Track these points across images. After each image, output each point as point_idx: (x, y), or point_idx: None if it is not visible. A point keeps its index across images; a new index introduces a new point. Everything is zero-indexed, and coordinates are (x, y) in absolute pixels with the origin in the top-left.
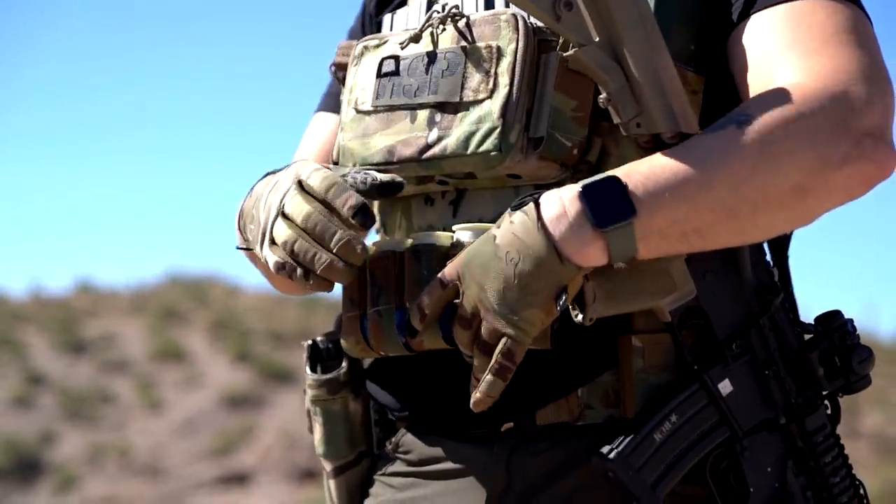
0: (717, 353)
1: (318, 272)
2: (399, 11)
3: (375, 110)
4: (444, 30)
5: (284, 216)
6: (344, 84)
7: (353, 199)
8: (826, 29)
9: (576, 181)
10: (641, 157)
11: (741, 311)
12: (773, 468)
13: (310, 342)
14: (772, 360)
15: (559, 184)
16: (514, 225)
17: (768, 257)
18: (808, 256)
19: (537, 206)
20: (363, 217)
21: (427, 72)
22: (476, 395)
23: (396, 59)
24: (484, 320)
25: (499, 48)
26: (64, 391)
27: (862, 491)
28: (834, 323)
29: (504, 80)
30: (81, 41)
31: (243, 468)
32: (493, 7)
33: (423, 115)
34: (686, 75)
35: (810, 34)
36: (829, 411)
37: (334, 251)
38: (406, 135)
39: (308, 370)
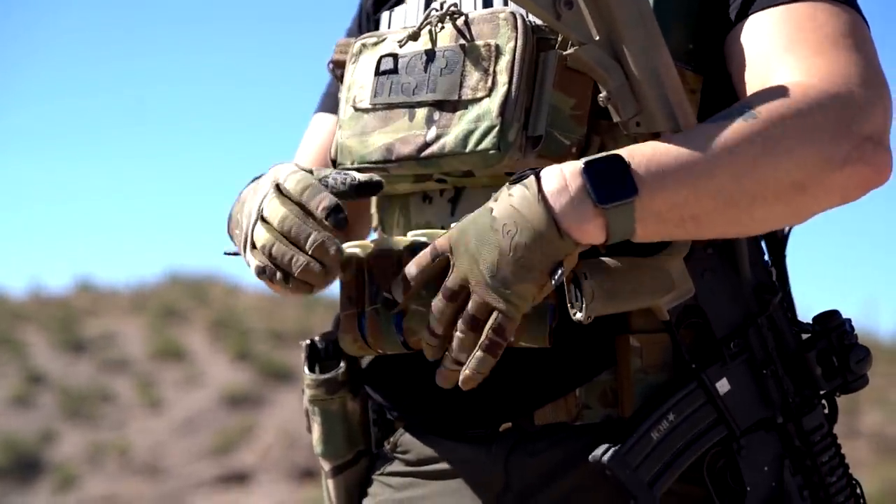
0: (715, 352)
1: (296, 275)
2: (397, 9)
3: (374, 108)
4: (442, 28)
5: (263, 220)
6: (342, 82)
7: (327, 200)
8: (825, 32)
9: None
10: None
11: (739, 310)
12: (770, 467)
13: (308, 342)
14: (770, 359)
15: None
16: (512, 198)
17: (766, 257)
18: (808, 256)
19: (538, 179)
20: (336, 217)
21: (425, 70)
22: (465, 373)
23: (395, 56)
24: (474, 293)
25: (497, 46)
26: (64, 390)
27: (859, 490)
28: (832, 322)
29: (503, 79)
30: (81, 41)
31: (243, 467)
32: (491, 5)
33: (421, 113)
34: (684, 74)
35: (809, 36)
36: (826, 411)
37: (309, 253)
38: (404, 133)
39: (306, 370)
